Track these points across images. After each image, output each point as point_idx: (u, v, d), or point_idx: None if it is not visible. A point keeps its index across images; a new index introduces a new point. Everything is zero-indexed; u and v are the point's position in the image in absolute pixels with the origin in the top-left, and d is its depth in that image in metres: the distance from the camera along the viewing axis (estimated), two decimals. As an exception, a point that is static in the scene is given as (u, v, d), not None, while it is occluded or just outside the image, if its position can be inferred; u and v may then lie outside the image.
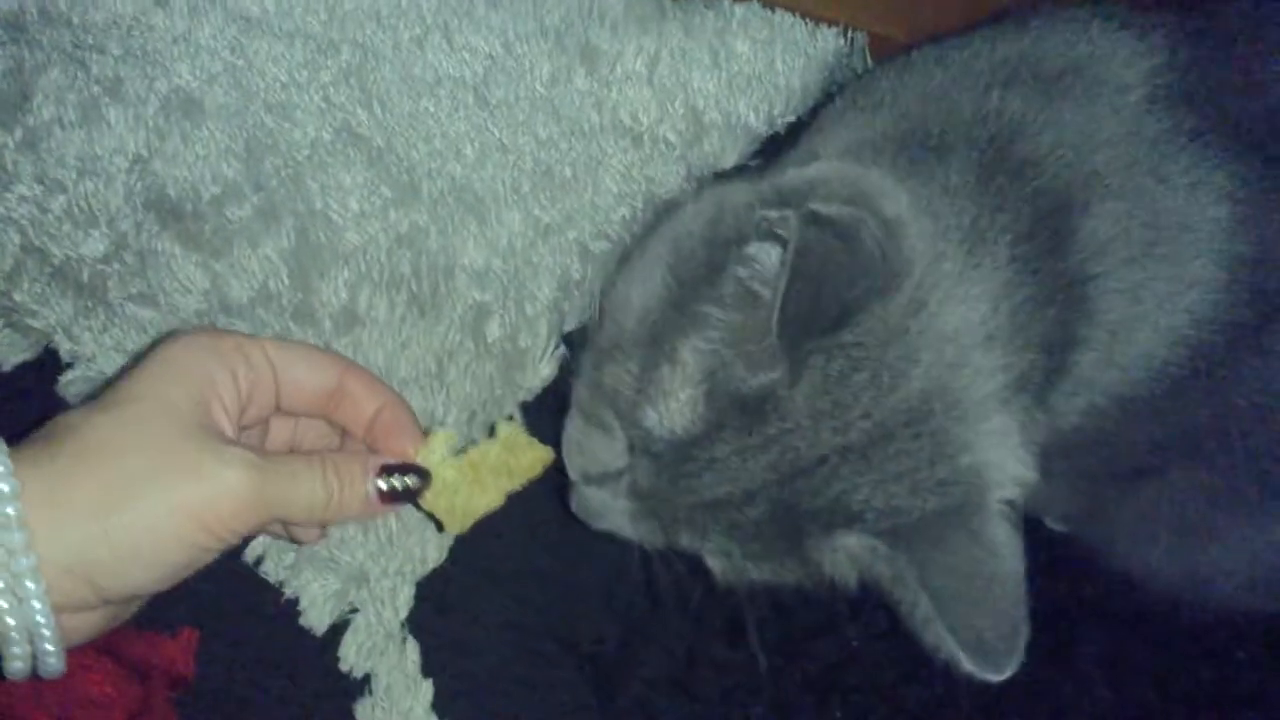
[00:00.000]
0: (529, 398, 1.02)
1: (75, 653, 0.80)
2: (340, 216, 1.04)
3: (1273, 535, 0.78)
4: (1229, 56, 0.69)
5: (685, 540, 0.66)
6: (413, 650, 0.91)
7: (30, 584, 0.52)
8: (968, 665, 0.58)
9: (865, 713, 0.95)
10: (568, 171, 1.09)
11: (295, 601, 0.92)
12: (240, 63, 1.09)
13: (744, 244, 0.59)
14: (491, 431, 0.70)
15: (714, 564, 0.67)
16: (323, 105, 1.08)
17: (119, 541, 0.53)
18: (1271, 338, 0.67)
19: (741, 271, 0.59)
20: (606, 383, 0.65)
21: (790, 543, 0.63)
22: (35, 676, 0.57)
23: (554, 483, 0.99)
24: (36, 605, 0.53)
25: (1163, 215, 0.65)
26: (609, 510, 0.69)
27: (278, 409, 0.65)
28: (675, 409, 0.62)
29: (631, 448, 0.66)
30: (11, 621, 0.53)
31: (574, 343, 1.03)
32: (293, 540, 0.69)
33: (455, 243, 1.05)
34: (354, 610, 0.92)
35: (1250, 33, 0.70)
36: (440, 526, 0.69)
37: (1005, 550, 0.60)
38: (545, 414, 1.01)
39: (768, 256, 0.58)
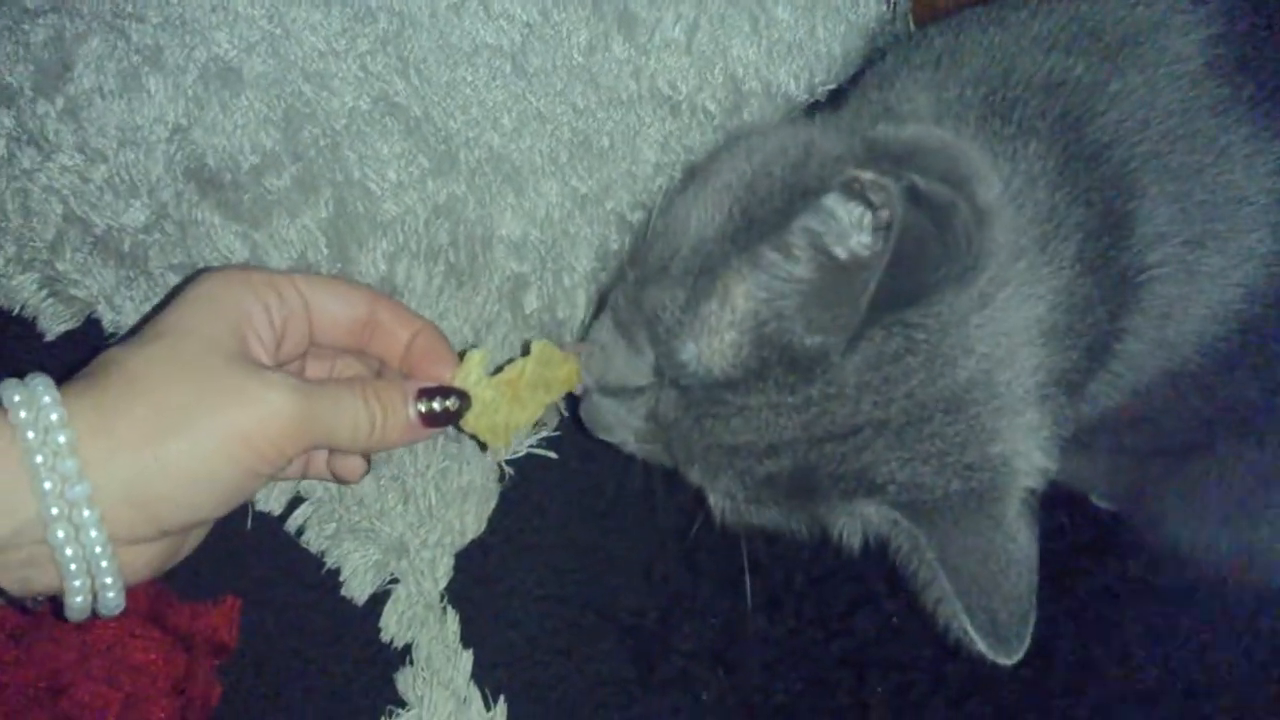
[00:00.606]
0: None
1: (121, 620, 0.82)
2: (378, 186, 1.03)
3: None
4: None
5: (694, 475, 0.66)
6: (453, 621, 0.92)
7: (87, 512, 0.53)
8: (981, 646, 0.57)
9: (905, 688, 0.95)
10: (605, 141, 1.07)
11: (336, 572, 0.92)
12: (278, 31, 1.08)
13: (823, 194, 0.57)
14: (525, 350, 0.70)
15: (716, 502, 0.66)
16: (360, 74, 1.08)
17: (172, 468, 0.54)
18: None
19: (813, 223, 0.58)
20: (647, 304, 0.64)
21: (803, 501, 0.63)
22: (94, 616, 0.57)
23: (592, 456, 0.99)
24: (94, 534, 0.53)
25: (1220, 190, 0.64)
26: (619, 424, 0.69)
27: (312, 343, 0.65)
28: (717, 348, 0.61)
29: (659, 372, 0.65)
30: (70, 552, 0.53)
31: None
32: (336, 479, 0.69)
33: (493, 213, 1.04)
34: (394, 581, 0.92)
35: None
36: (483, 446, 0.70)
37: (1022, 537, 0.60)
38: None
39: (847, 215, 0.57)
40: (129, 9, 1.07)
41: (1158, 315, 0.65)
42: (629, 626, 0.95)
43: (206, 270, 0.61)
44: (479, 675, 0.91)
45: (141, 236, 0.99)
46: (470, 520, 0.94)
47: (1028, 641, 0.59)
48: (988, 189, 0.60)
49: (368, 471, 0.69)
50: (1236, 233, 0.64)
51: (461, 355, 0.67)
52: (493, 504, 0.96)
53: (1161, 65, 0.66)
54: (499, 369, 0.69)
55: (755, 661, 0.95)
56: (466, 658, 0.91)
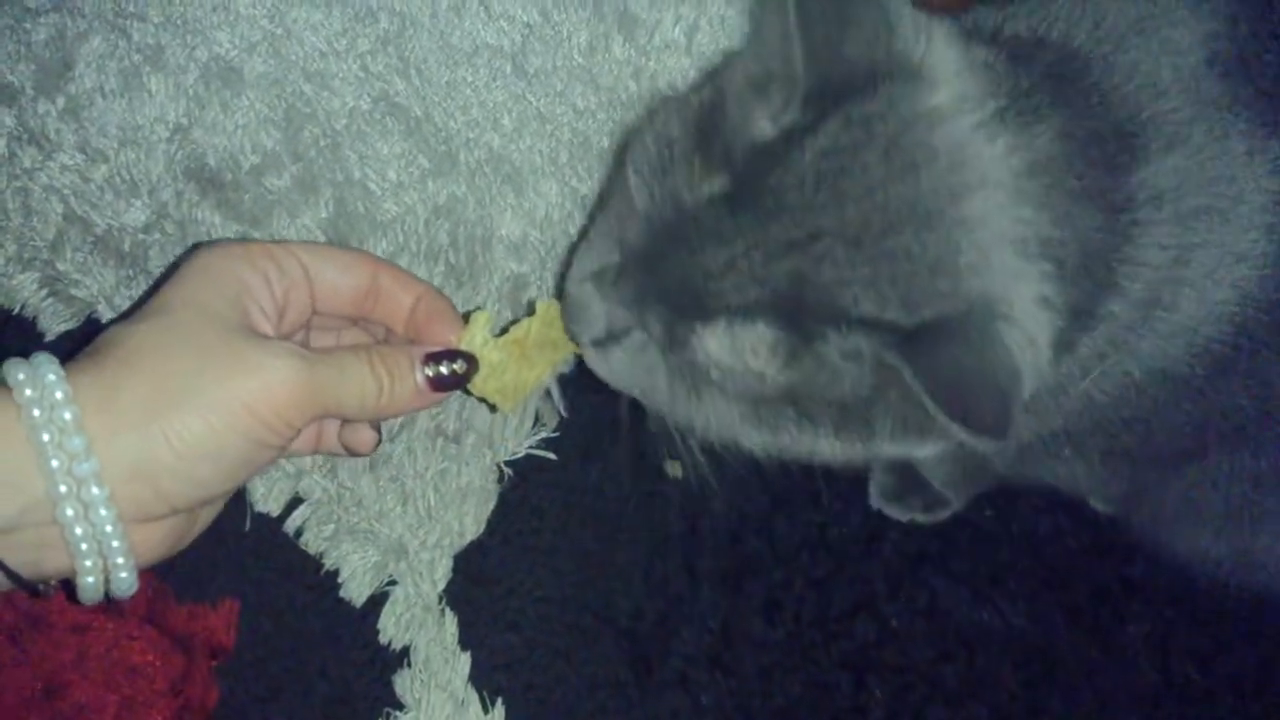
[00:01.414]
0: (566, 369, 1.01)
1: (119, 622, 0.82)
2: (378, 186, 1.03)
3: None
4: None
5: (680, 329, 0.60)
6: (451, 623, 0.92)
7: (95, 489, 0.52)
8: (959, 432, 0.54)
9: (903, 691, 0.95)
10: (606, 142, 1.07)
11: (335, 573, 0.92)
12: (279, 31, 1.08)
13: None
14: (530, 310, 0.70)
15: (713, 345, 0.60)
16: (361, 74, 1.08)
17: (179, 440, 0.53)
18: None
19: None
20: (631, 158, 0.62)
21: (784, 334, 0.59)
22: (107, 600, 0.57)
23: (591, 457, 0.99)
24: (103, 512, 0.53)
25: (1217, 181, 0.63)
26: (621, 360, 0.66)
27: (315, 313, 0.65)
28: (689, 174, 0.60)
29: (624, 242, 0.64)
30: (79, 531, 0.53)
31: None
32: (348, 451, 0.68)
33: (493, 213, 1.04)
34: (393, 582, 0.92)
35: None
36: (493, 408, 0.69)
37: (1005, 358, 0.56)
38: (583, 389, 1.01)
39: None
40: (130, 8, 1.07)
41: (1149, 286, 0.63)
42: (627, 629, 0.94)
43: (203, 244, 0.61)
44: (477, 677, 0.91)
45: (142, 236, 0.99)
46: (469, 522, 0.94)
47: (1012, 429, 0.55)
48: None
49: (379, 443, 0.68)
50: (1233, 229, 0.63)
51: (466, 318, 0.66)
52: (491, 505, 0.95)
53: (1164, 54, 0.65)
54: (504, 330, 0.68)
55: (754, 665, 0.95)
56: (465, 660, 0.91)
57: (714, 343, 0.59)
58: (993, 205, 0.57)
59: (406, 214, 1.03)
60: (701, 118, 0.62)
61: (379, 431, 0.68)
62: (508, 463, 0.97)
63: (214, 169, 1.02)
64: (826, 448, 0.63)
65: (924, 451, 0.63)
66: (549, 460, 0.98)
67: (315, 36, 1.08)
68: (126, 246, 0.98)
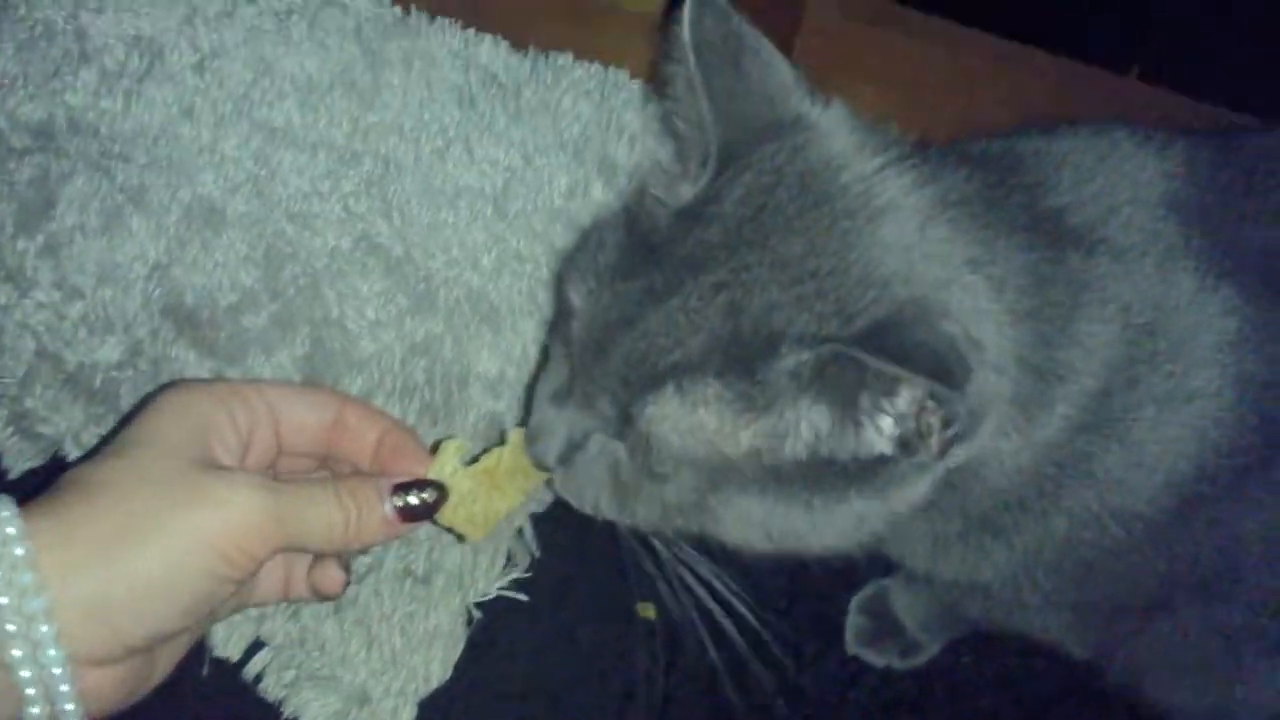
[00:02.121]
0: (540, 509, 1.00)
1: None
2: (356, 325, 1.04)
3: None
4: (1247, 185, 0.69)
5: (633, 408, 0.60)
6: (414, 773, 0.88)
7: (44, 627, 0.51)
8: (919, 389, 0.54)
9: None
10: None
11: (295, 720, 0.89)
12: (263, 172, 1.10)
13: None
14: (502, 439, 0.69)
15: (668, 412, 0.60)
16: (343, 215, 1.09)
17: (135, 577, 0.52)
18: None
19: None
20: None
21: (731, 381, 0.59)
22: None
23: (564, 599, 0.97)
24: (52, 652, 0.51)
25: (1166, 311, 0.63)
26: (584, 466, 0.66)
27: (281, 452, 0.64)
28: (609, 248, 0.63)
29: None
30: (27, 674, 0.51)
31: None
32: (317, 595, 0.66)
33: (470, 351, 1.05)
34: (355, 730, 0.89)
35: (1271, 166, 0.70)
36: (461, 538, 0.68)
37: (952, 329, 0.57)
38: (559, 526, 1.00)
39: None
40: (116, 149, 1.10)
41: (1096, 388, 0.63)
42: (599, 778, 0.92)
43: (169, 384, 0.61)
44: (442, 831, 0.88)
45: (114, 374, 0.99)
46: (435, 666, 0.92)
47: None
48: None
49: (349, 583, 0.66)
50: (1184, 365, 0.63)
51: (435, 447, 0.65)
52: (459, 649, 0.93)
53: (1122, 192, 0.66)
54: (475, 459, 0.67)
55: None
56: (429, 812, 0.87)
57: (667, 410, 0.59)
58: (908, 227, 0.59)
59: (383, 352, 1.03)
60: (628, 213, 0.65)
61: (348, 571, 0.66)
62: (477, 604, 0.95)
63: (191, 306, 1.02)
64: (799, 521, 0.62)
65: (897, 502, 0.61)
66: (520, 602, 0.96)
67: (299, 178, 1.11)
68: (98, 384, 0.98)
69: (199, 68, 1.15)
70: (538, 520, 1.00)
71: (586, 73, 1.19)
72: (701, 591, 0.74)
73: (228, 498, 0.54)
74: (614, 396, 0.61)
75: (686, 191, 0.62)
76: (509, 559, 0.98)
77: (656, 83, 0.66)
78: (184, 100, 1.13)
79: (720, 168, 0.61)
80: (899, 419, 0.57)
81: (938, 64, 1.16)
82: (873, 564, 0.82)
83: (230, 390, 0.61)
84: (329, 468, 0.68)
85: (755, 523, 0.62)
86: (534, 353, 1.06)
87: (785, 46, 0.68)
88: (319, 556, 0.64)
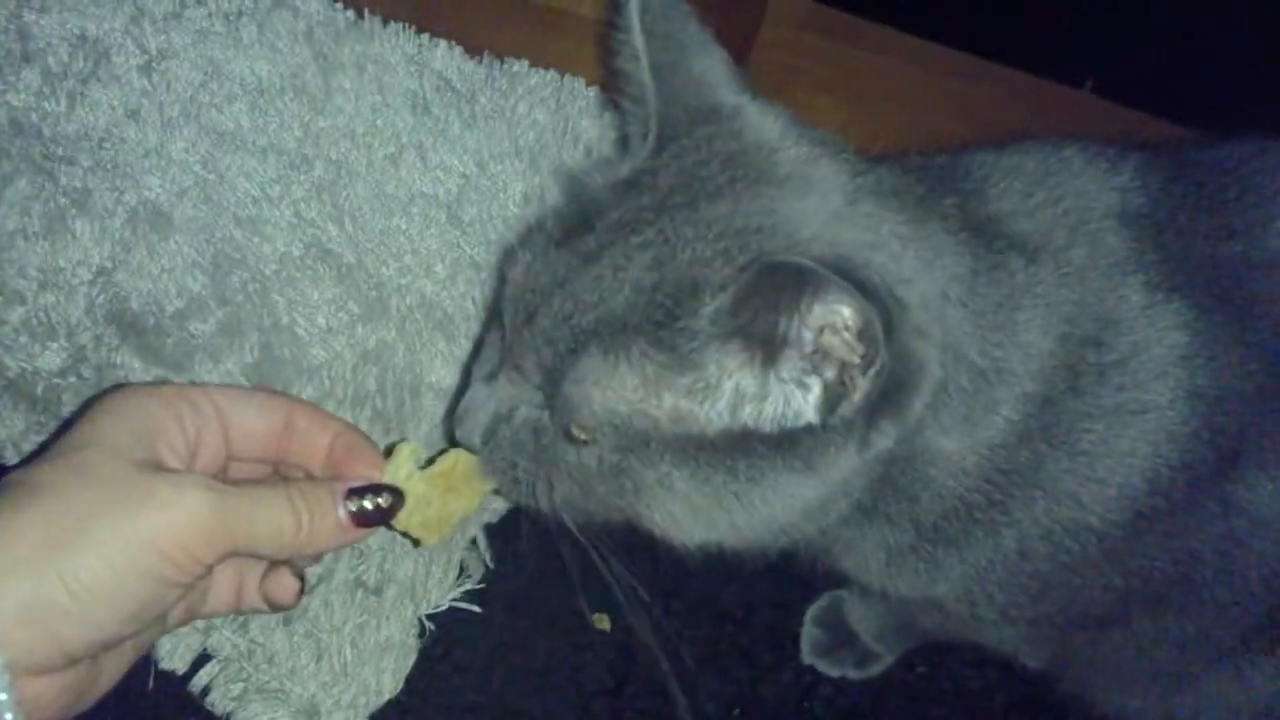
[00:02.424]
0: (494, 519, 0.99)
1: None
2: (306, 332, 1.02)
3: (1250, 683, 0.75)
4: (1198, 200, 0.69)
5: (558, 372, 0.60)
6: (364, 788, 0.87)
7: None
8: (845, 307, 0.54)
9: None
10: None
11: (242, 736, 0.87)
12: (211, 177, 1.08)
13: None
14: (455, 440, 0.67)
15: (593, 375, 0.60)
16: (293, 220, 1.08)
17: (75, 581, 0.50)
18: (1234, 487, 0.65)
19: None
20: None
21: (656, 338, 0.58)
22: None
23: (518, 610, 0.96)
24: None
25: (1112, 324, 0.64)
26: (508, 439, 0.65)
27: (230, 457, 0.62)
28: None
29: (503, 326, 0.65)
30: None
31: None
32: (270, 605, 0.64)
33: (422, 359, 1.03)
34: (304, 745, 0.88)
35: (1222, 181, 0.70)
36: (416, 543, 0.66)
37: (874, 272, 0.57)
38: (512, 538, 0.99)
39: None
40: (60, 152, 1.07)
41: (1038, 391, 0.62)
42: (552, 792, 0.90)
43: (113, 387, 0.59)
44: (392, 846, 0.86)
45: (56, 380, 0.96)
46: (387, 679, 0.90)
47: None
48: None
49: (303, 593, 0.65)
50: (1137, 376, 0.63)
51: (388, 451, 0.64)
52: (411, 661, 0.92)
53: (1073, 207, 0.66)
54: (429, 462, 0.66)
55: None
56: (379, 828, 0.86)
57: (591, 369, 0.59)
58: (836, 200, 0.60)
59: (334, 359, 1.02)
60: (568, 193, 0.66)
61: (302, 581, 0.64)
62: (430, 616, 0.94)
63: (136, 312, 1.00)
64: (725, 497, 0.60)
65: (825, 475, 0.60)
66: (473, 613, 0.95)
67: (249, 183, 1.09)
68: (39, 391, 0.95)
69: (146, 69, 1.13)
70: (491, 531, 0.99)
71: (542, 80, 1.18)
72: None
73: (173, 498, 0.52)
74: (540, 359, 0.61)
75: (626, 166, 0.64)
76: (462, 570, 0.96)
77: (604, 58, 0.67)
78: (130, 102, 1.11)
79: (659, 143, 0.63)
80: (818, 363, 0.56)
81: (894, 76, 1.16)
82: (828, 576, 0.82)
83: (177, 393, 0.59)
84: (280, 473, 0.66)
85: (680, 495, 0.61)
86: (488, 361, 1.05)
87: (742, 57, 0.69)
88: (272, 565, 0.63)
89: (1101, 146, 0.71)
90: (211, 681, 0.88)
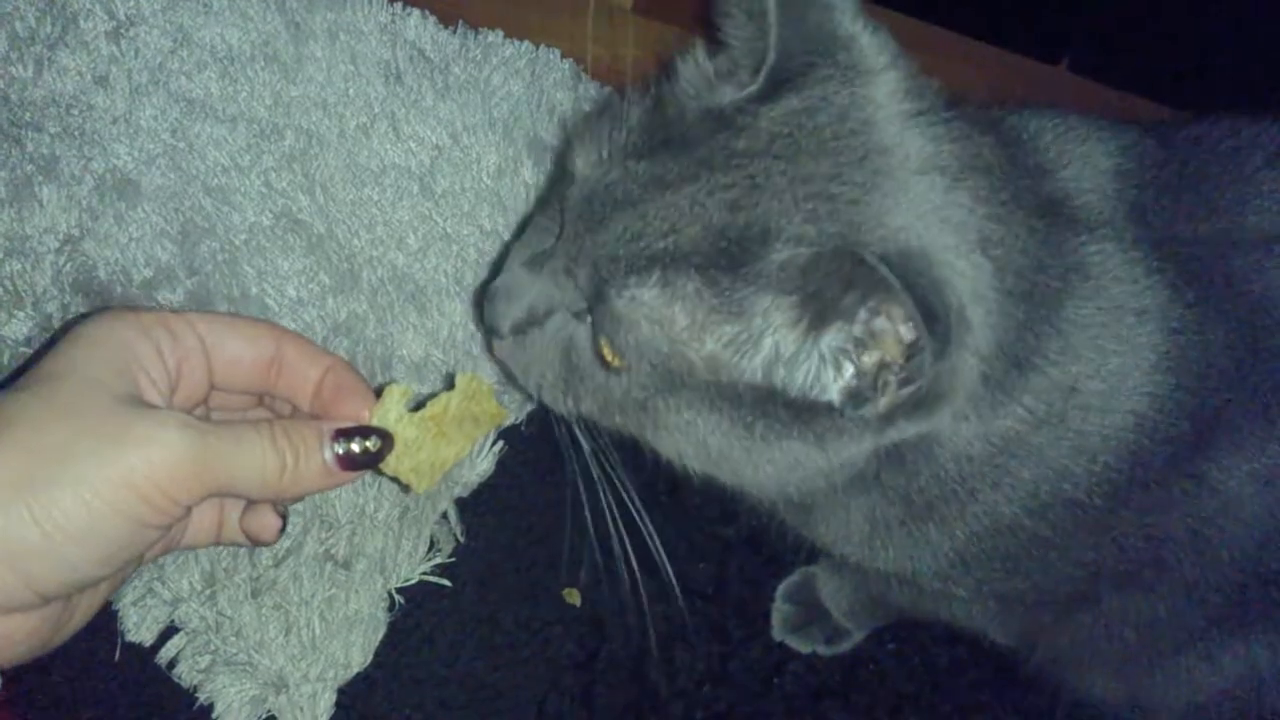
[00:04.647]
0: (465, 494, 0.99)
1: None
2: (276, 303, 1.01)
3: (1218, 664, 0.76)
4: (1180, 179, 0.69)
5: (610, 288, 0.60)
6: (332, 761, 0.87)
7: None
8: (901, 312, 0.54)
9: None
10: (512, 263, 1.07)
11: (209, 708, 0.87)
12: (181, 145, 1.07)
13: None
14: (449, 383, 0.65)
15: (646, 298, 0.60)
16: (264, 190, 1.06)
17: (48, 519, 0.48)
18: (1209, 466, 0.66)
19: None
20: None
21: (713, 277, 0.59)
22: None
23: (488, 583, 0.95)
24: None
25: (1127, 294, 0.64)
26: (538, 344, 0.65)
27: (213, 386, 0.60)
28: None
29: (562, 214, 0.64)
30: None
31: (513, 440, 1.01)
32: (250, 539, 0.62)
33: (394, 332, 1.03)
34: (271, 718, 0.87)
35: (1204, 160, 0.70)
36: (406, 489, 0.64)
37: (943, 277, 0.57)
38: (483, 512, 0.98)
39: None
40: (27, 118, 1.05)
41: (1061, 380, 0.62)
42: (521, 765, 0.90)
43: (91, 312, 0.56)
44: (359, 820, 0.86)
45: (23, 349, 0.95)
46: (355, 652, 0.90)
47: None
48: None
49: (284, 529, 0.63)
50: (1133, 351, 0.64)
51: (379, 392, 0.62)
52: (380, 634, 0.91)
53: (1095, 179, 0.67)
54: (420, 404, 0.63)
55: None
56: (347, 801, 0.86)
57: (646, 297, 0.59)
58: (936, 185, 0.59)
59: (304, 331, 1.01)
60: (656, 97, 0.63)
61: (285, 518, 0.63)
62: (400, 589, 0.94)
63: (104, 281, 0.99)
64: (737, 447, 0.61)
65: (834, 455, 0.61)
66: (443, 587, 0.94)
67: (218, 151, 1.07)
68: (5, 359, 0.94)
69: (114, 35, 1.11)
70: (463, 505, 0.98)
71: (517, 51, 1.17)
72: (614, 505, 0.73)
73: (152, 436, 0.50)
74: (596, 271, 0.60)
75: (726, 93, 0.62)
76: (432, 544, 0.96)
77: None
78: (98, 69, 1.09)
79: (770, 80, 0.61)
80: (859, 356, 0.56)
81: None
82: (799, 551, 0.82)
83: (157, 320, 0.56)
84: (267, 406, 0.64)
85: (695, 438, 0.62)
86: (460, 336, 1.04)
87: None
88: (254, 501, 0.61)
89: (1098, 122, 0.71)
90: (179, 654, 0.88)
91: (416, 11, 1.17)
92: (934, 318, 0.53)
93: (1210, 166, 0.70)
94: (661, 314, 0.59)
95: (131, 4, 1.12)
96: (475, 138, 1.12)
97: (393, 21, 1.16)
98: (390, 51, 1.15)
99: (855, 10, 0.62)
